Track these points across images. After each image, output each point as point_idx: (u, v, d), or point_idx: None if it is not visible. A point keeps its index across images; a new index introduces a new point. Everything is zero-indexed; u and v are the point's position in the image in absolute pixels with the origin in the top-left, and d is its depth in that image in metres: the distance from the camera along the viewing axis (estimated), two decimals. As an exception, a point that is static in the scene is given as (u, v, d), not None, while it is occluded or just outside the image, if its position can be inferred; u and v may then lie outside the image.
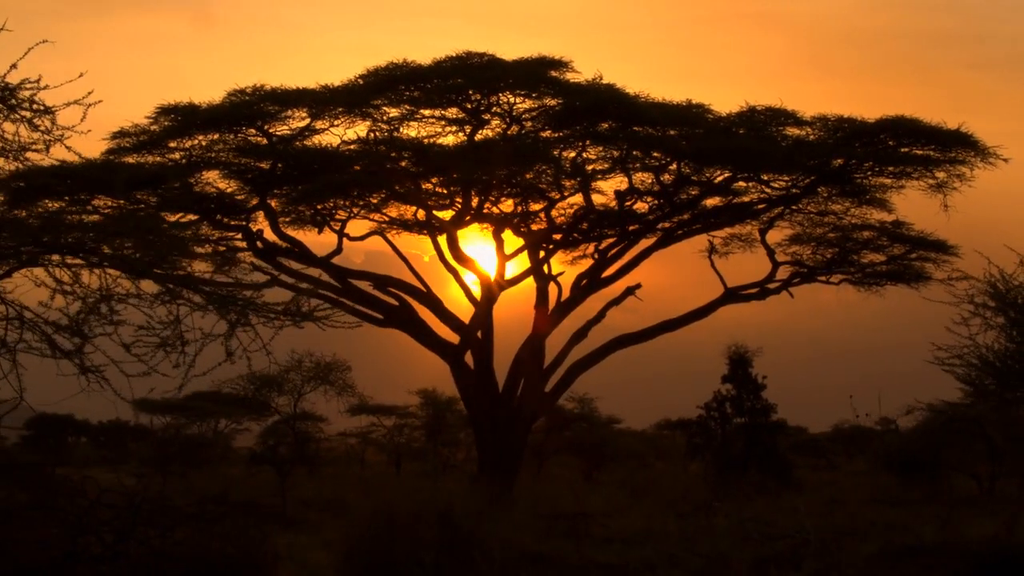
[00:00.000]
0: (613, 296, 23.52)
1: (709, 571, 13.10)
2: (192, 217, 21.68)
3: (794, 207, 23.13)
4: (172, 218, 20.34)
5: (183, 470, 28.45)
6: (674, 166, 21.98)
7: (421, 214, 22.80)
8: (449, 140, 21.79)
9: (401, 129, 21.64)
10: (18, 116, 9.51)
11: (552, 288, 23.38)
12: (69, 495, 10.95)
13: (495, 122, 21.58)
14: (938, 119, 21.30)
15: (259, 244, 22.21)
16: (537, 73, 20.94)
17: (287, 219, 22.60)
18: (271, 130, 21.33)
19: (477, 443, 23.37)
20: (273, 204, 22.09)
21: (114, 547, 10.69)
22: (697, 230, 23.66)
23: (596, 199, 22.58)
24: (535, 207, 23.04)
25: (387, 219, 23.30)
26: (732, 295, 23.87)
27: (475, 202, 22.02)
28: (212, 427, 32.06)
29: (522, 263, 23.31)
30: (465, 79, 20.77)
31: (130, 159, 21.09)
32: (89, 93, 9.57)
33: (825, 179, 22.29)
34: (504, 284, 22.92)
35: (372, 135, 21.64)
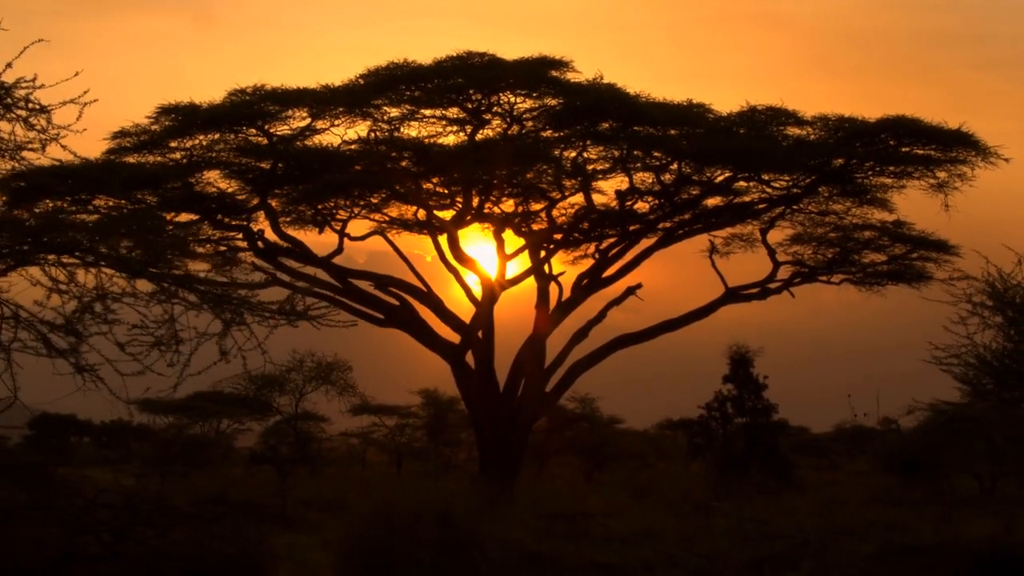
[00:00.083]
0: (614, 296, 23.53)
1: (707, 571, 13.09)
2: (193, 217, 21.72)
3: (795, 207, 23.10)
4: (173, 218, 20.34)
5: (185, 470, 28.44)
6: (675, 166, 21.95)
7: (422, 214, 22.80)
8: (450, 140, 21.82)
9: (402, 129, 21.65)
10: (14, 115, 9.55)
11: (553, 288, 23.37)
12: (66, 495, 10.95)
13: (496, 122, 21.58)
14: (940, 119, 21.32)
15: (260, 244, 22.23)
16: (538, 73, 20.94)
17: (288, 219, 22.61)
18: (272, 130, 21.34)
19: (478, 443, 23.36)
20: (274, 204, 22.11)
21: (112, 547, 10.70)
22: (698, 230, 23.64)
23: (597, 199, 22.60)
24: (536, 207, 23.03)
25: (388, 219, 23.31)
26: (733, 295, 23.84)
27: (476, 202, 22.02)
28: (214, 427, 32.06)
29: (523, 263, 23.32)
30: (466, 79, 20.77)
31: (131, 159, 21.12)
32: (85, 92, 9.60)
33: (826, 179, 22.27)
34: (505, 284, 22.91)
35: (373, 135, 21.64)
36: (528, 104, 21.33)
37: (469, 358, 22.77)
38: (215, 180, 21.92)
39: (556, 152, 21.45)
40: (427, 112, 21.32)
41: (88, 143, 33.28)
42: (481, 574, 12.60)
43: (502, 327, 23.18)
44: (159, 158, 21.32)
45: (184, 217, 21.49)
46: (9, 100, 9.47)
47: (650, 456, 38.13)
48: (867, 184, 22.46)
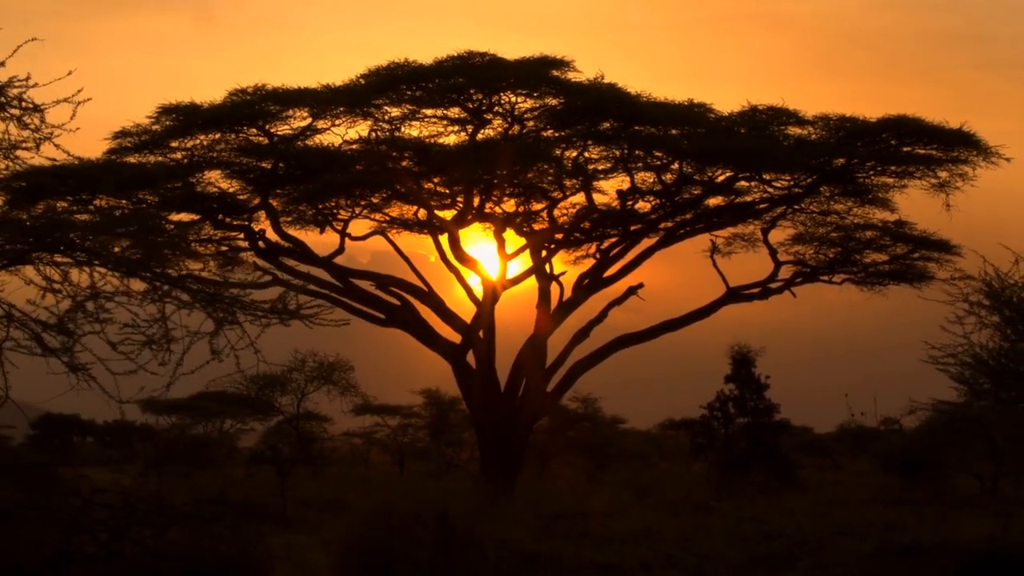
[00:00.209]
0: (615, 296, 23.49)
1: (705, 570, 13.09)
2: (194, 217, 21.75)
3: (796, 207, 23.07)
4: (171, 216, 20.34)
5: (188, 470, 28.48)
6: (676, 165, 21.94)
7: (423, 214, 22.79)
8: (451, 140, 21.81)
9: (403, 129, 21.65)
10: (7, 114, 9.56)
11: (554, 288, 23.35)
12: (63, 494, 10.94)
13: (497, 122, 21.58)
14: (941, 119, 21.31)
15: (261, 244, 22.24)
16: (539, 73, 20.93)
17: (289, 219, 22.63)
18: (273, 130, 21.36)
19: (479, 443, 23.36)
20: (275, 204, 22.12)
21: (109, 546, 10.67)
22: (699, 230, 23.62)
23: (598, 199, 22.57)
24: (537, 207, 23.03)
25: (388, 219, 23.31)
26: (734, 295, 23.82)
27: (477, 202, 22.01)
28: (217, 427, 32.10)
29: (524, 263, 23.30)
30: (467, 79, 20.77)
31: (132, 159, 21.15)
32: (79, 91, 9.61)
33: (827, 178, 22.24)
34: (506, 284, 22.90)
35: (374, 135, 21.65)
36: (529, 104, 21.32)
37: (470, 358, 22.76)
38: (216, 180, 21.97)
39: (557, 152, 21.43)
40: (428, 112, 21.32)
41: (89, 143, 33.31)
42: (479, 574, 12.58)
43: (503, 327, 23.21)
44: (160, 158, 21.33)
45: (185, 217, 21.54)
46: (3, 99, 9.49)
47: (652, 456, 38.14)
48: (868, 184, 22.43)
